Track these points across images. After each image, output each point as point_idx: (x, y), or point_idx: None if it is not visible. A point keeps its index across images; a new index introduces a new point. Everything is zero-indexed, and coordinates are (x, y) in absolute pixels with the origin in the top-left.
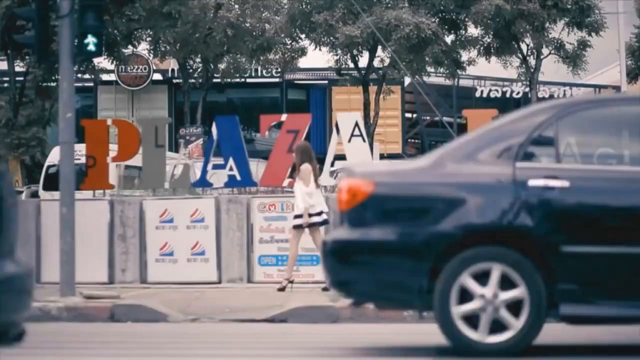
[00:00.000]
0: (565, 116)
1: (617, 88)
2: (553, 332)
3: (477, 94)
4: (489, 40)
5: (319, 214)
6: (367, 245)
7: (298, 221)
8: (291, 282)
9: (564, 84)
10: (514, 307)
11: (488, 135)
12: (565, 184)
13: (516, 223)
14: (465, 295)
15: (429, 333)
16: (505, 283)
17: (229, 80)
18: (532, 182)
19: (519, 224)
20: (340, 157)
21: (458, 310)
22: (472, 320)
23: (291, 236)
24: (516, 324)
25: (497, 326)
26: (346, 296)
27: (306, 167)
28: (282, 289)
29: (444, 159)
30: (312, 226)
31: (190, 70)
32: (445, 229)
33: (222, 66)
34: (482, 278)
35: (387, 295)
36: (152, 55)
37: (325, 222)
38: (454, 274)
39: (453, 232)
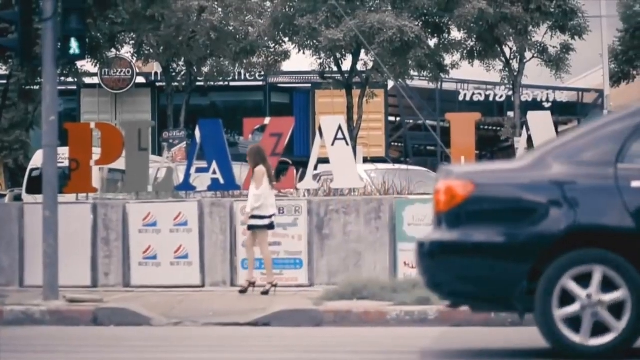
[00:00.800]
0: None
1: (600, 92)
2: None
3: (461, 98)
4: (472, 43)
5: (271, 216)
6: (465, 246)
7: (251, 221)
8: (274, 285)
9: (547, 88)
10: (616, 309)
11: (588, 136)
12: None
13: (619, 224)
14: (566, 298)
15: (413, 337)
16: (607, 285)
17: (212, 83)
18: (635, 184)
19: (622, 225)
20: (324, 160)
21: (560, 313)
22: (573, 322)
23: (259, 240)
24: (618, 326)
25: (599, 329)
26: (442, 298)
27: (260, 169)
28: (265, 293)
29: (544, 159)
30: (256, 228)
31: (174, 74)
32: (546, 230)
33: (205, 69)
34: (583, 280)
35: (486, 297)
36: (135, 59)
37: (270, 226)
38: (557, 275)
39: (554, 233)
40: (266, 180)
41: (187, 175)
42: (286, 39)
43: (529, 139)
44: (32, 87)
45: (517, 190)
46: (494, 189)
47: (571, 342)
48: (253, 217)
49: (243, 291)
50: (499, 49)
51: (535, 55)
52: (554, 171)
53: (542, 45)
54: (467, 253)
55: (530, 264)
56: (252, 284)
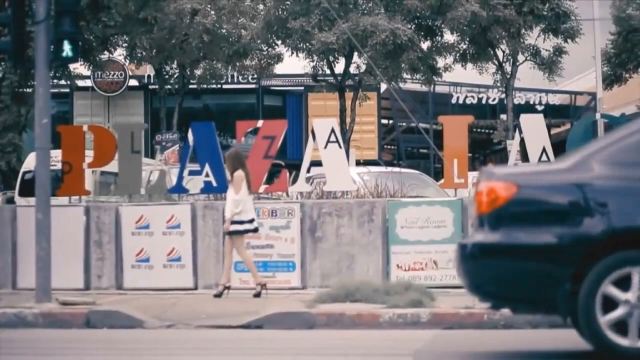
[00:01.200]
0: None
1: (593, 94)
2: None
3: (453, 100)
4: (464, 46)
5: (251, 221)
6: (508, 248)
7: (232, 227)
8: (264, 286)
9: (540, 90)
10: None
11: (630, 138)
12: None
13: None
14: (610, 301)
15: (406, 339)
16: None
17: (205, 86)
18: None
19: None
20: (317, 163)
21: (604, 319)
22: (617, 324)
23: (236, 244)
24: None
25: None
26: (484, 300)
27: (239, 174)
28: (257, 295)
29: (586, 161)
30: (235, 234)
31: (167, 76)
32: (589, 232)
33: (198, 72)
34: (624, 283)
35: (528, 299)
36: (128, 61)
37: (255, 230)
38: (598, 279)
39: (598, 235)
40: (245, 185)
41: (180, 177)
42: (279, 42)
43: (522, 142)
44: (24, 90)
45: (560, 192)
46: (537, 190)
47: (614, 343)
48: (233, 222)
49: (218, 295)
50: (491, 52)
51: (528, 58)
52: (597, 173)
53: (535, 48)
54: (510, 255)
55: (574, 265)
56: (227, 288)
